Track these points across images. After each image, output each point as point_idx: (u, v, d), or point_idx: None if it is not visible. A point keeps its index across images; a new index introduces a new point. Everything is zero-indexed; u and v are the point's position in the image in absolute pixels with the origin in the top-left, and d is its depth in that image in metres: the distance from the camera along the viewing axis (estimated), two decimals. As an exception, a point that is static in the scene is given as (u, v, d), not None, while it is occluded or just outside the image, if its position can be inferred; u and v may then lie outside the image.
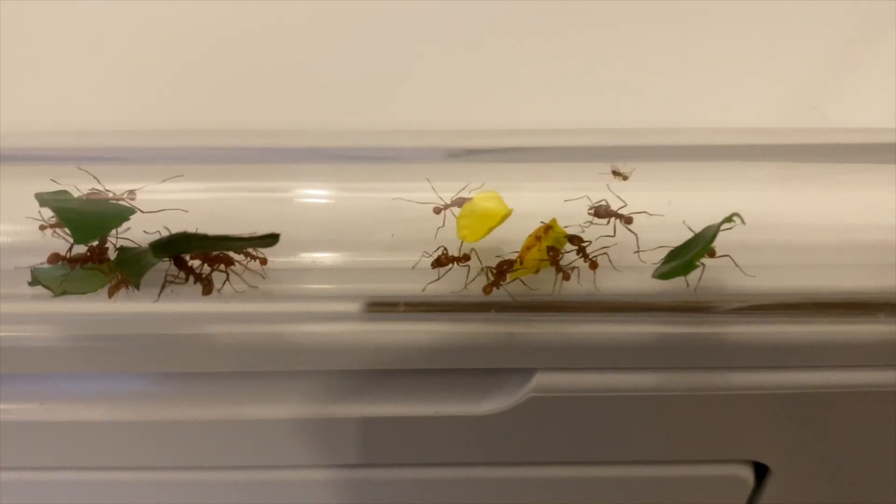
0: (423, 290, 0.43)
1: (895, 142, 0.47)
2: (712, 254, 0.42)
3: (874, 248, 0.45)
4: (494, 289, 0.42)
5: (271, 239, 0.36)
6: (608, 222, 0.43)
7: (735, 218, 0.37)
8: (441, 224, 0.44)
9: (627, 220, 0.43)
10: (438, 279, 0.43)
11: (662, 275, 0.40)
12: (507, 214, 0.42)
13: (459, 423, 0.47)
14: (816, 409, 0.46)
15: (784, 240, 0.45)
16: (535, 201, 0.45)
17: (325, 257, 0.43)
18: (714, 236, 0.38)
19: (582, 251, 0.42)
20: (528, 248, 0.42)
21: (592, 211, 0.43)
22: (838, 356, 0.44)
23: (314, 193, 0.47)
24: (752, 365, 0.45)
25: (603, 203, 0.43)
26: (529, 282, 0.43)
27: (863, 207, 0.47)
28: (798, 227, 0.46)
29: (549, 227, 0.42)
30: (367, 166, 0.49)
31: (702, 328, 0.43)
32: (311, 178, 0.48)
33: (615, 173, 0.43)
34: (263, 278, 0.43)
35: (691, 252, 0.39)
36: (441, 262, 0.42)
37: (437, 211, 0.45)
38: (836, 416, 0.46)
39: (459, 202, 0.45)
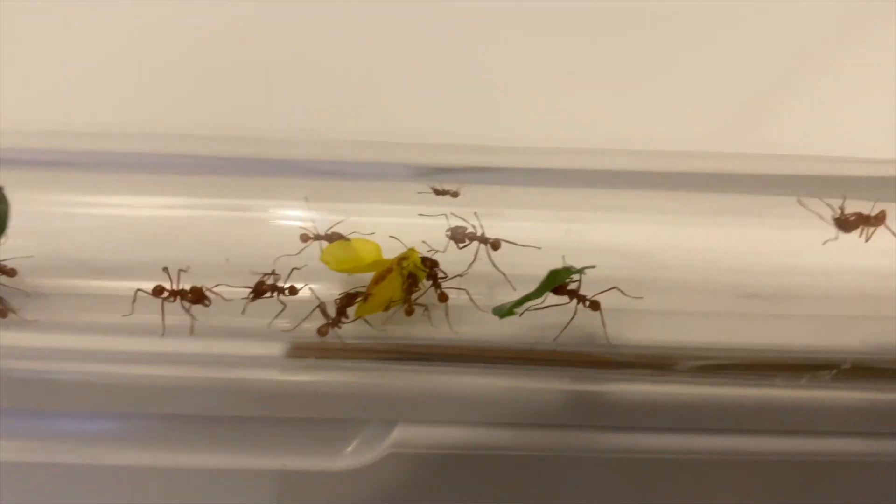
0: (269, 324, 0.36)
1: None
2: (594, 306, 0.36)
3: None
4: (333, 328, 0.35)
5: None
6: (463, 246, 0.36)
7: (586, 270, 0.30)
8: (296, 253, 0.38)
9: (494, 246, 0.36)
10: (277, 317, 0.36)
11: (495, 310, 0.34)
12: (379, 263, 0.36)
13: (310, 480, 0.41)
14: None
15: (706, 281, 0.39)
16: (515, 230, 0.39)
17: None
18: (552, 284, 0.32)
19: (433, 278, 0.35)
20: (377, 280, 0.36)
21: (449, 233, 0.36)
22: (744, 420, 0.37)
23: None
24: (645, 426, 0.38)
25: (464, 227, 0.37)
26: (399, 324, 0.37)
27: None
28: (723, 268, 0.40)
29: (402, 258, 0.36)
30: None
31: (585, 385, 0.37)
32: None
33: (437, 191, 0.37)
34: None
35: (529, 294, 0.32)
36: (259, 291, 0.35)
37: (304, 239, 0.39)
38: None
39: (332, 237, 0.38)
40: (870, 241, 0.39)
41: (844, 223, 0.39)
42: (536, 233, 0.38)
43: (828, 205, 0.39)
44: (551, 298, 0.36)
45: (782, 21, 0.51)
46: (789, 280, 0.41)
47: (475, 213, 0.37)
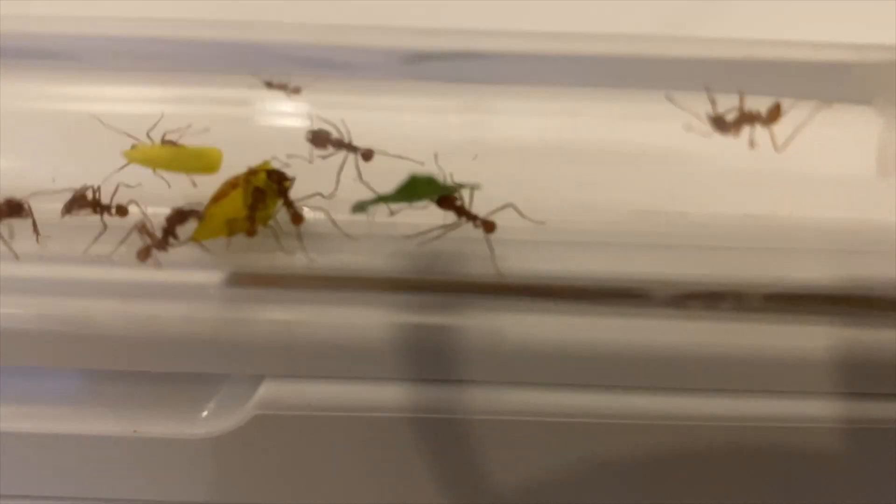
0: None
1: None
2: (488, 227, 0.29)
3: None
4: (159, 252, 0.29)
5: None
6: (327, 155, 0.30)
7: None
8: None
9: (365, 156, 0.30)
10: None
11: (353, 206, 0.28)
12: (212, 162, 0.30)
13: (165, 448, 0.34)
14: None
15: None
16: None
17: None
18: (411, 190, 0.26)
19: (283, 193, 0.29)
20: (217, 197, 0.30)
21: (310, 136, 0.30)
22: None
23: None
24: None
25: (328, 130, 0.30)
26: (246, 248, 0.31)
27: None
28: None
29: (253, 173, 0.30)
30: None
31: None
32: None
33: (271, 85, 0.31)
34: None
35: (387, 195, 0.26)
36: (73, 205, 0.29)
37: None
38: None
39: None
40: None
41: (720, 122, 0.31)
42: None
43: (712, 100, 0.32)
44: (434, 219, 0.30)
45: None
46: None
47: (343, 121, 0.31)
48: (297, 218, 0.29)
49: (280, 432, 0.33)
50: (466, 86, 0.35)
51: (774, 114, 0.32)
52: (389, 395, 0.32)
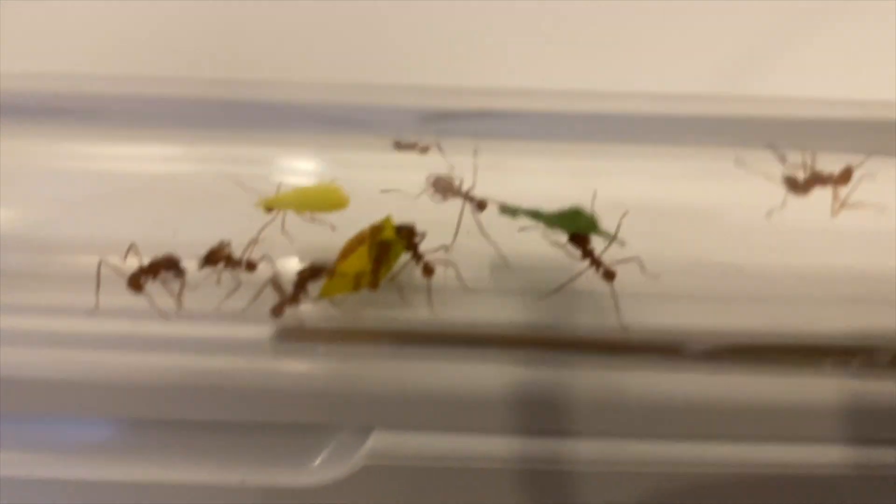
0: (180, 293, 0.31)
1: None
2: (609, 276, 0.30)
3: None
4: (291, 308, 0.30)
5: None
6: (444, 199, 0.31)
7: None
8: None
9: (480, 206, 0.31)
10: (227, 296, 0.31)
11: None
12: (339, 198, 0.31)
13: (272, 498, 0.35)
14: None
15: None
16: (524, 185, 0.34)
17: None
18: (571, 222, 0.27)
19: (413, 248, 0.30)
20: (345, 254, 0.30)
21: (432, 180, 0.31)
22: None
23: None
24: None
25: (450, 178, 0.31)
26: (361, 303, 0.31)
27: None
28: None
29: (378, 229, 0.31)
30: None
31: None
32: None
33: (401, 146, 0.32)
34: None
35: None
36: (212, 259, 0.30)
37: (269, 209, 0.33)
38: None
39: None
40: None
41: (793, 183, 0.32)
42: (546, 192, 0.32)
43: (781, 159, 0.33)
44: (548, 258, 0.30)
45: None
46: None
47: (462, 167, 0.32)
48: (428, 270, 0.30)
49: (387, 483, 0.33)
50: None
51: (846, 176, 0.33)
52: (496, 446, 0.32)
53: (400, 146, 0.33)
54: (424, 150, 0.33)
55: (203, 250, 0.31)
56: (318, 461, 0.34)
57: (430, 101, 0.34)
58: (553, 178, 0.35)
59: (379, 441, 0.33)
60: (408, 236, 0.29)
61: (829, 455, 0.31)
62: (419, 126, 0.34)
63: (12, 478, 0.33)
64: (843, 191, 0.34)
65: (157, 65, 0.40)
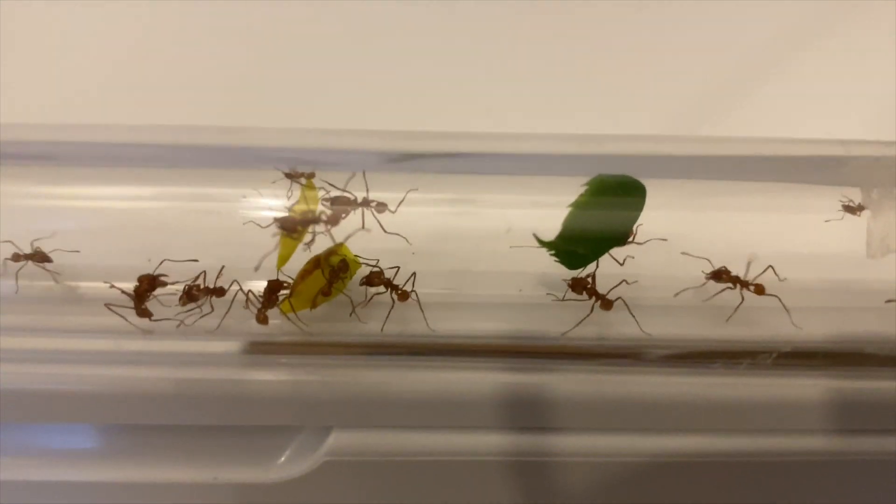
0: (179, 324, 0.35)
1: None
2: (759, 290, 0.35)
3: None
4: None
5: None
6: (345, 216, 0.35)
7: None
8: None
9: (379, 208, 0.35)
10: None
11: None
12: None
13: (242, 493, 0.39)
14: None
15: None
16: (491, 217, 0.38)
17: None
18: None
19: (387, 284, 0.34)
20: (303, 275, 0.34)
21: (332, 201, 0.35)
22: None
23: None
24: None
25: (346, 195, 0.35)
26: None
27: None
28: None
29: (331, 252, 0.35)
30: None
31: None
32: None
33: (290, 175, 0.35)
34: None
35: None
36: (192, 296, 0.34)
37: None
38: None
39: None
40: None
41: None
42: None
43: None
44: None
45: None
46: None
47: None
48: (403, 295, 0.34)
49: (347, 477, 0.38)
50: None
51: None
52: (442, 441, 0.37)
53: (289, 175, 0.36)
54: (311, 176, 0.36)
55: (175, 276, 0.35)
56: (282, 459, 0.38)
57: (388, 144, 0.39)
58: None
59: (337, 440, 0.37)
60: (386, 282, 0.33)
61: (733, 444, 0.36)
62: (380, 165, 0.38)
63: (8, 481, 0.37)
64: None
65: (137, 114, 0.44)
